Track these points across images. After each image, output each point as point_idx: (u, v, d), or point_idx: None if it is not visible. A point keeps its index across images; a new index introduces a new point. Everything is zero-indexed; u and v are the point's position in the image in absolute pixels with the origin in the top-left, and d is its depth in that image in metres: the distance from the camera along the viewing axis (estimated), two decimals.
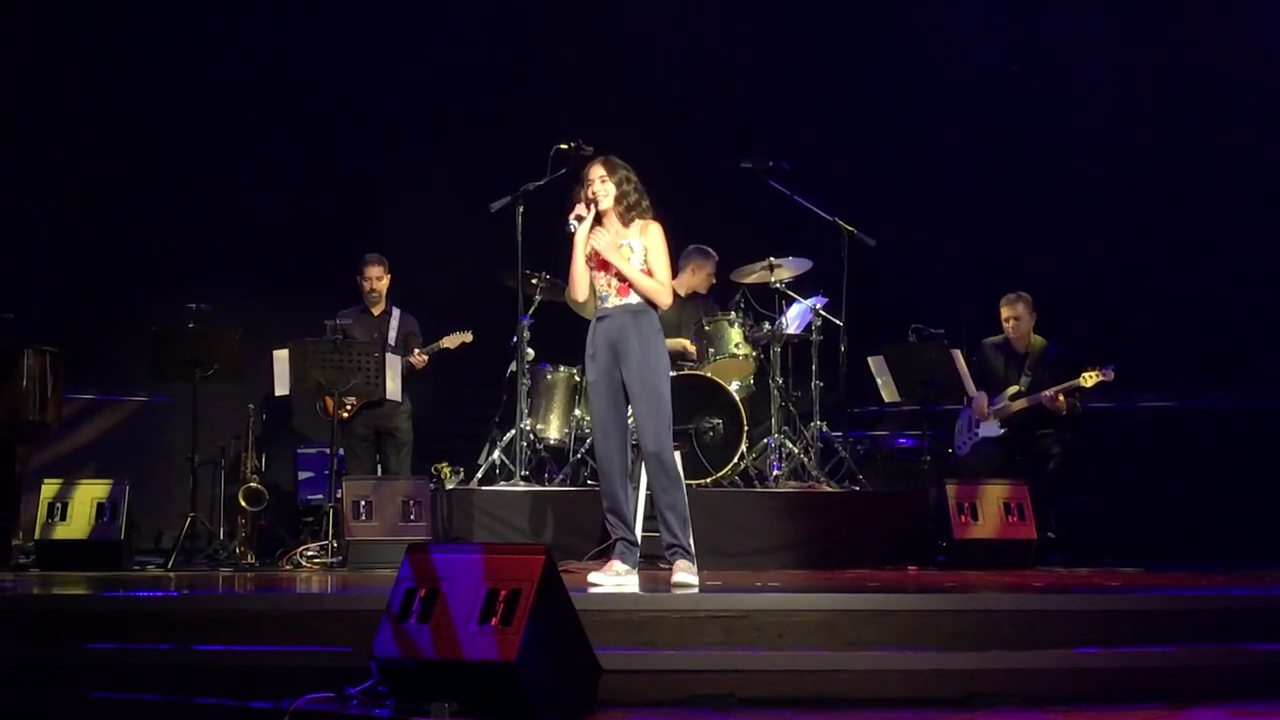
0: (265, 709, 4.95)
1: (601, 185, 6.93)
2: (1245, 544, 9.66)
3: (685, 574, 6.76)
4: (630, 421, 7.12)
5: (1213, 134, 11.16)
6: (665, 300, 7.01)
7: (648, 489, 7.26)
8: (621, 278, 6.90)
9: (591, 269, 6.97)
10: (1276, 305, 10.90)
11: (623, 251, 6.89)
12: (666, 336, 7.20)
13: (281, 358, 8.92)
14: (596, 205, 6.91)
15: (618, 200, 6.93)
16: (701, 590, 6.61)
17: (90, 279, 10.80)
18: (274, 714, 4.89)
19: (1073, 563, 8.78)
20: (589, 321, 9.38)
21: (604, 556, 8.08)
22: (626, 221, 6.94)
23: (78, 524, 8.40)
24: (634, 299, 6.92)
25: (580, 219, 6.91)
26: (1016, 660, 5.72)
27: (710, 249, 9.83)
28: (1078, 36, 11.59)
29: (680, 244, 9.41)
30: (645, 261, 6.91)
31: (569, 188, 9.00)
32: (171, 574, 8.38)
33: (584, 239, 6.91)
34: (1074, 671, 5.71)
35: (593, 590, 6.56)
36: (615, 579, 6.80)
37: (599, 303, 6.99)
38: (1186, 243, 11.09)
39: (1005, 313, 9.58)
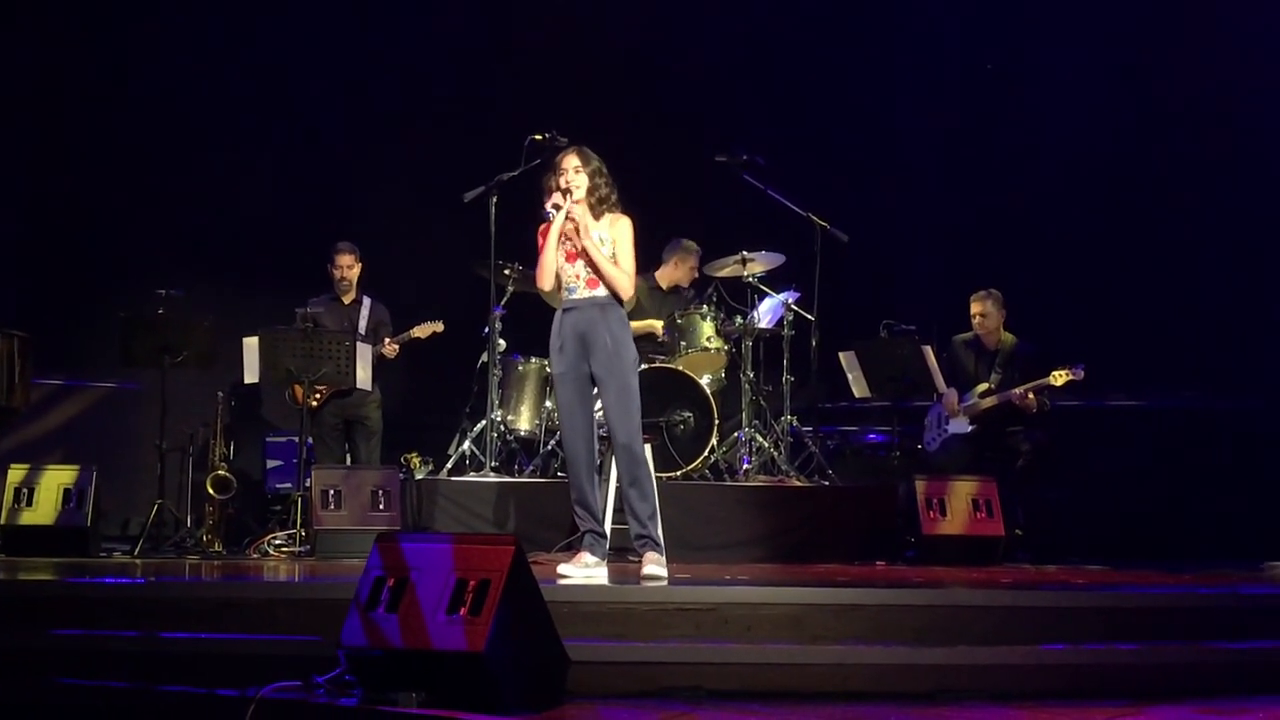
0: (232, 697, 4.93)
1: (575, 175, 6.92)
2: (1212, 543, 9.71)
3: (655, 566, 6.78)
4: (598, 413, 7.11)
5: (1185, 134, 11.19)
6: (629, 293, 7.02)
7: (617, 481, 7.26)
8: (592, 269, 6.88)
9: (560, 261, 6.95)
10: (1245, 306, 10.96)
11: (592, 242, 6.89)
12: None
13: (251, 345, 8.88)
14: (570, 195, 6.89)
15: (590, 192, 6.93)
16: (670, 583, 6.62)
17: (60, 264, 10.73)
18: (241, 702, 4.86)
19: (1040, 560, 8.82)
20: None
21: (573, 548, 8.09)
22: (597, 214, 6.94)
23: (44, 510, 8.36)
24: (602, 291, 6.91)
25: (558, 207, 6.89)
26: (984, 656, 5.75)
27: (693, 243, 9.82)
28: (1052, 35, 11.62)
29: (652, 237, 9.39)
30: (613, 254, 6.91)
31: (543, 178, 9.06)
32: (138, 561, 8.35)
33: (559, 228, 6.89)
34: (1041, 668, 5.72)
35: (562, 582, 6.55)
36: (584, 570, 6.80)
37: (565, 294, 6.97)
38: (1158, 242, 11.13)
39: (975, 309, 9.61)
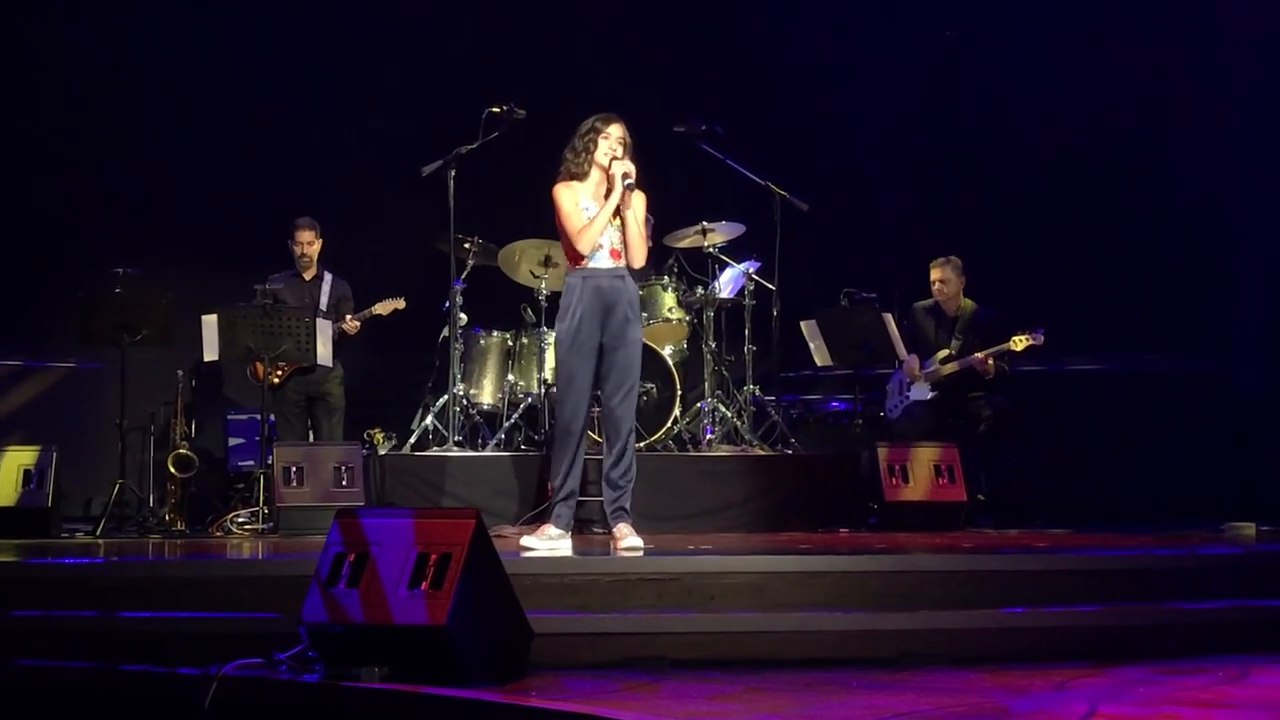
0: (194, 675, 4.92)
1: (620, 145, 6.91)
2: (1172, 506, 9.78)
3: (634, 537, 6.79)
4: None
5: (1145, 101, 11.22)
6: (642, 262, 7.10)
7: (589, 454, 7.25)
8: (623, 239, 6.89)
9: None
10: (1204, 269, 11.02)
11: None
12: None
13: (210, 322, 8.82)
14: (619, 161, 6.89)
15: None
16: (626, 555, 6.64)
17: (17, 244, 10.63)
18: (202, 680, 4.85)
19: (1002, 524, 8.86)
20: (520, 286, 9.41)
21: (538, 521, 8.10)
22: (615, 184, 6.92)
23: (4, 491, 8.33)
24: (623, 261, 6.95)
25: (630, 177, 6.84)
26: (946, 620, 5.79)
27: (650, 216, 9.79)
28: (1012, 1, 11.63)
29: None
30: None
31: (501, 150, 9.04)
32: (100, 541, 8.31)
33: (618, 197, 6.84)
34: (1002, 631, 5.78)
35: (526, 555, 6.55)
36: (549, 543, 6.81)
37: (588, 261, 6.92)
38: (1117, 206, 11.17)
39: (934, 276, 9.63)
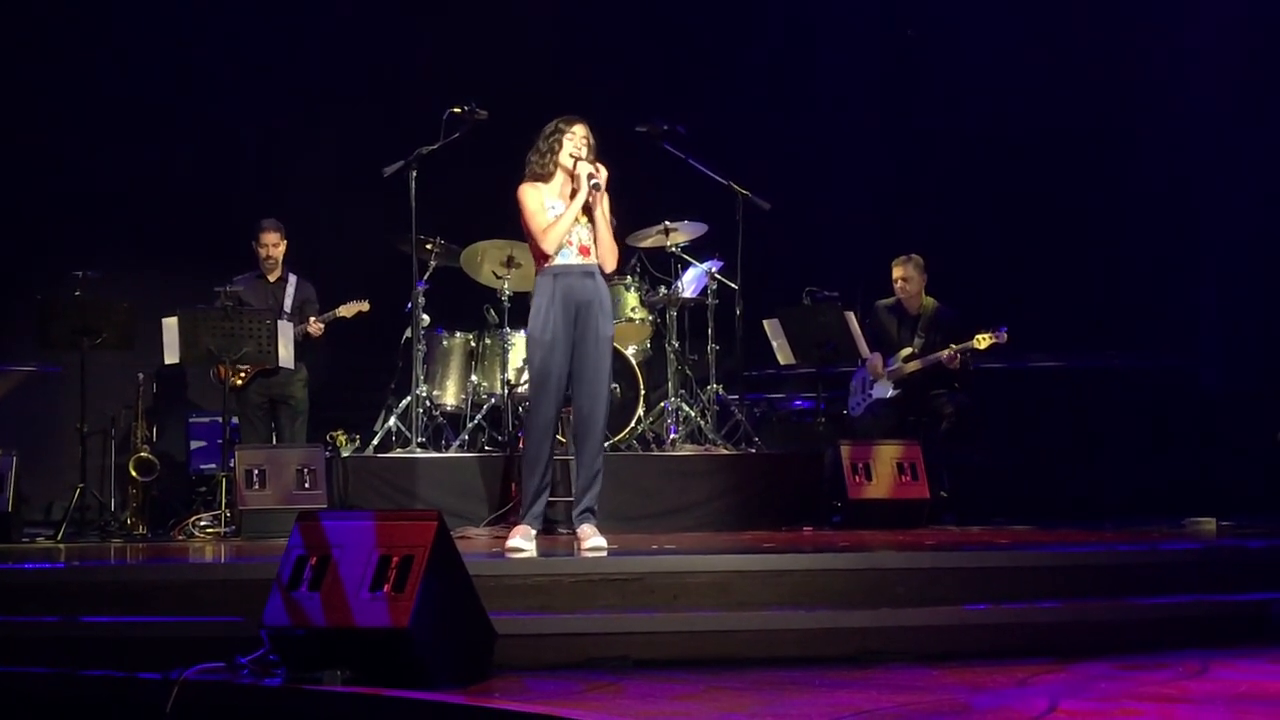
0: (155, 680, 4.90)
1: (584, 145, 6.90)
2: (1134, 502, 9.83)
3: (598, 537, 6.74)
4: None
5: (1105, 98, 11.28)
6: (613, 265, 7.08)
7: (569, 453, 7.23)
8: (592, 238, 6.87)
9: None
10: (1165, 265, 11.08)
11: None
12: None
13: (170, 325, 8.77)
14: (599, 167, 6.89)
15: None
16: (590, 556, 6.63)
17: None
18: (163, 685, 4.83)
19: (965, 521, 8.89)
20: (482, 287, 9.39)
21: (502, 521, 8.10)
22: (580, 184, 6.90)
23: None
24: (592, 259, 6.92)
25: (594, 177, 6.82)
26: (909, 618, 5.81)
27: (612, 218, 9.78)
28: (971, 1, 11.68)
29: None
30: None
31: (462, 151, 9.03)
32: (61, 546, 8.26)
33: (584, 197, 6.82)
34: (965, 628, 5.81)
35: (518, 556, 6.51)
36: (532, 543, 6.77)
37: (556, 259, 6.89)
38: (1078, 205, 11.21)
39: (896, 274, 9.66)
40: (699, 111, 10.35)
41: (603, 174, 6.87)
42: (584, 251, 6.90)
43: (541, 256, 6.94)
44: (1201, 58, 11.16)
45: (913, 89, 11.75)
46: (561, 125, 6.95)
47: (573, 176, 6.89)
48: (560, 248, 6.87)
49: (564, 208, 6.86)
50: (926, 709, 4.62)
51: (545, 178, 6.94)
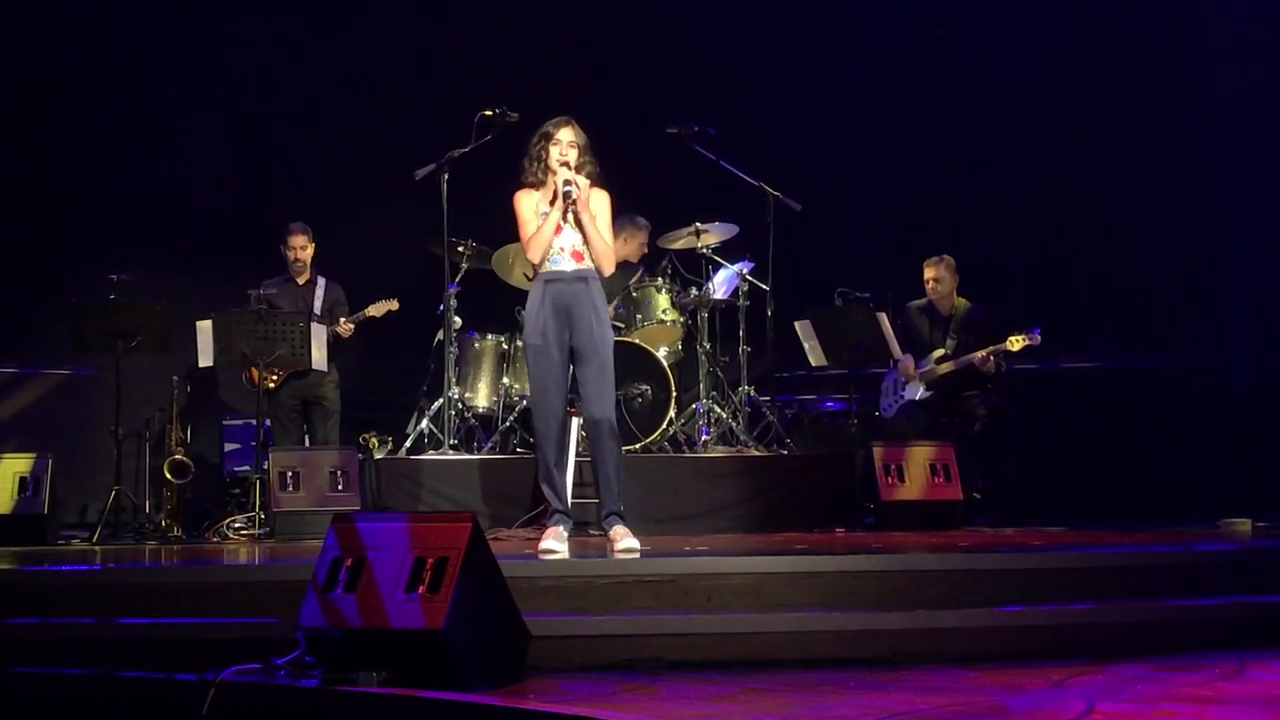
0: (191, 681, 4.92)
1: (570, 149, 6.91)
2: (1167, 502, 9.79)
3: (630, 539, 6.76)
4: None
5: (1135, 98, 11.23)
6: (610, 268, 7.08)
7: (582, 455, 7.25)
8: (584, 243, 6.88)
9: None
10: (1196, 266, 11.03)
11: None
12: None
13: (205, 328, 8.82)
14: (570, 166, 6.89)
15: (578, 167, 6.93)
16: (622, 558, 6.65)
17: (11, 250, 10.61)
18: (200, 686, 4.86)
19: (998, 523, 8.85)
20: (514, 289, 9.41)
21: (535, 523, 8.11)
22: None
23: (0, 498, 8.33)
24: (587, 264, 6.93)
25: (573, 184, 6.83)
26: (942, 619, 5.79)
27: (644, 219, 9.80)
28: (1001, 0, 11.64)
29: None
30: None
31: (494, 153, 9.04)
32: (96, 548, 8.30)
33: (563, 203, 6.84)
34: (999, 630, 5.78)
35: (552, 558, 6.54)
36: (565, 544, 6.81)
37: (548, 265, 6.92)
38: (1110, 203, 11.17)
39: (928, 275, 9.63)
40: (730, 113, 10.33)
41: (583, 183, 6.87)
42: (577, 256, 6.91)
43: (534, 264, 6.99)
44: (1231, 56, 11.10)
45: (944, 88, 11.71)
46: (548, 129, 6.99)
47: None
48: (550, 255, 6.90)
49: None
50: (961, 711, 4.61)
51: (537, 185, 6.98)
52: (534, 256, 6.93)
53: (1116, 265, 11.07)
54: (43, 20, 10.91)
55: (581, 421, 7.54)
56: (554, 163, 6.91)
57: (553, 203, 6.89)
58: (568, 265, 6.90)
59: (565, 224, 6.90)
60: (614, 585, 5.95)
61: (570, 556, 6.67)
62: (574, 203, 6.83)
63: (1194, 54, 11.16)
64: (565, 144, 6.92)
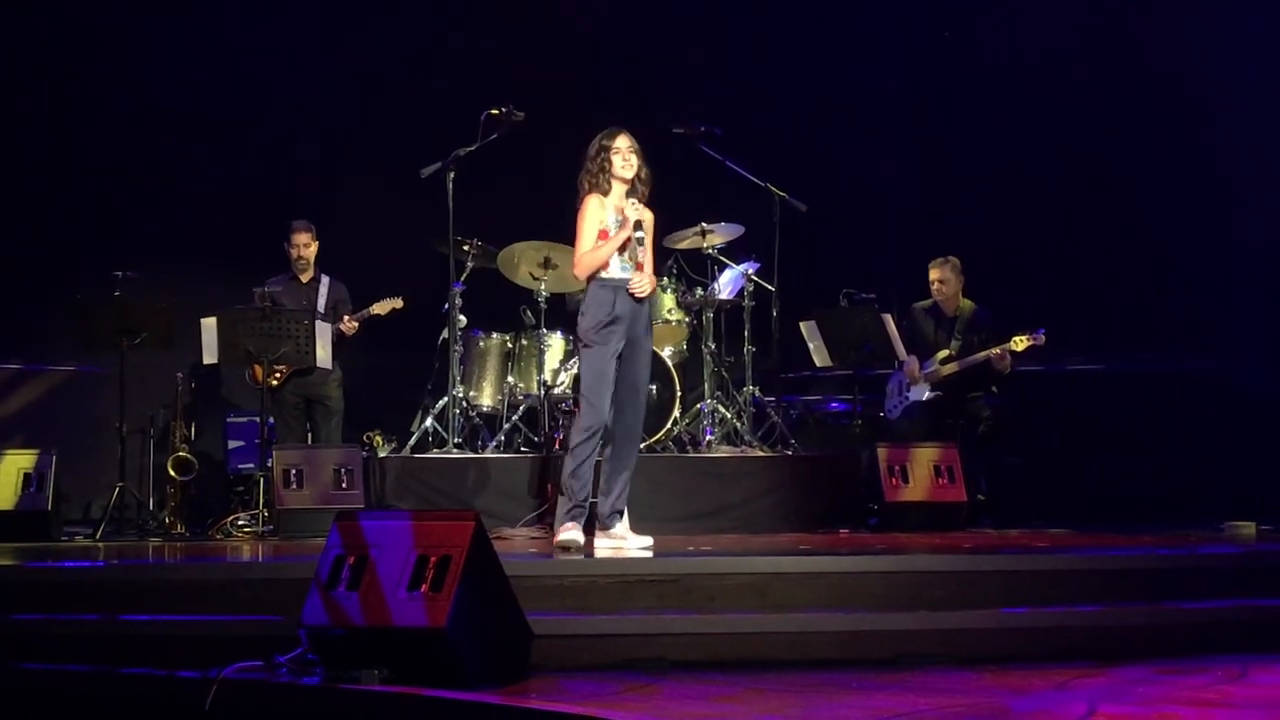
0: (194, 678, 4.92)
1: (632, 154, 7.09)
2: (1172, 505, 9.77)
3: (642, 536, 6.99)
4: None
5: (1143, 98, 11.22)
6: (652, 288, 7.30)
7: (607, 458, 7.30)
8: (642, 255, 7.13)
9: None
10: (1203, 268, 11.01)
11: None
12: None
13: (209, 326, 8.81)
14: (637, 175, 7.11)
15: (636, 175, 7.11)
16: (633, 555, 6.64)
17: (16, 247, 10.62)
18: (202, 683, 4.86)
19: (1003, 524, 8.85)
20: (519, 288, 9.42)
21: (538, 522, 8.14)
22: (640, 196, 7.14)
23: (4, 495, 8.33)
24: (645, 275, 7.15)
25: (639, 225, 7.06)
26: (946, 620, 5.79)
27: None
28: (1007, 2, 11.61)
29: None
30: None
31: (499, 152, 9.06)
32: (100, 544, 8.31)
33: (624, 237, 7.04)
34: (1003, 631, 5.78)
35: (569, 550, 6.73)
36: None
37: (618, 272, 7.09)
38: (1116, 206, 11.15)
39: (933, 276, 9.63)
40: (735, 113, 10.33)
41: (648, 217, 7.12)
42: (640, 268, 7.10)
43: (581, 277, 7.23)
44: (1241, 59, 11.07)
45: (949, 90, 11.70)
46: (605, 141, 7.15)
47: (621, 211, 7.08)
48: (621, 261, 7.08)
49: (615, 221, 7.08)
50: (965, 712, 4.61)
51: (605, 191, 7.13)
52: (581, 275, 7.17)
53: (1123, 268, 11.05)
54: (44, 19, 10.91)
55: None
56: (620, 170, 7.08)
57: (619, 226, 7.07)
58: (633, 273, 7.08)
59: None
60: (617, 584, 5.96)
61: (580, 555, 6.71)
62: (637, 243, 7.05)
63: (1205, 56, 11.12)
64: (626, 149, 7.11)
